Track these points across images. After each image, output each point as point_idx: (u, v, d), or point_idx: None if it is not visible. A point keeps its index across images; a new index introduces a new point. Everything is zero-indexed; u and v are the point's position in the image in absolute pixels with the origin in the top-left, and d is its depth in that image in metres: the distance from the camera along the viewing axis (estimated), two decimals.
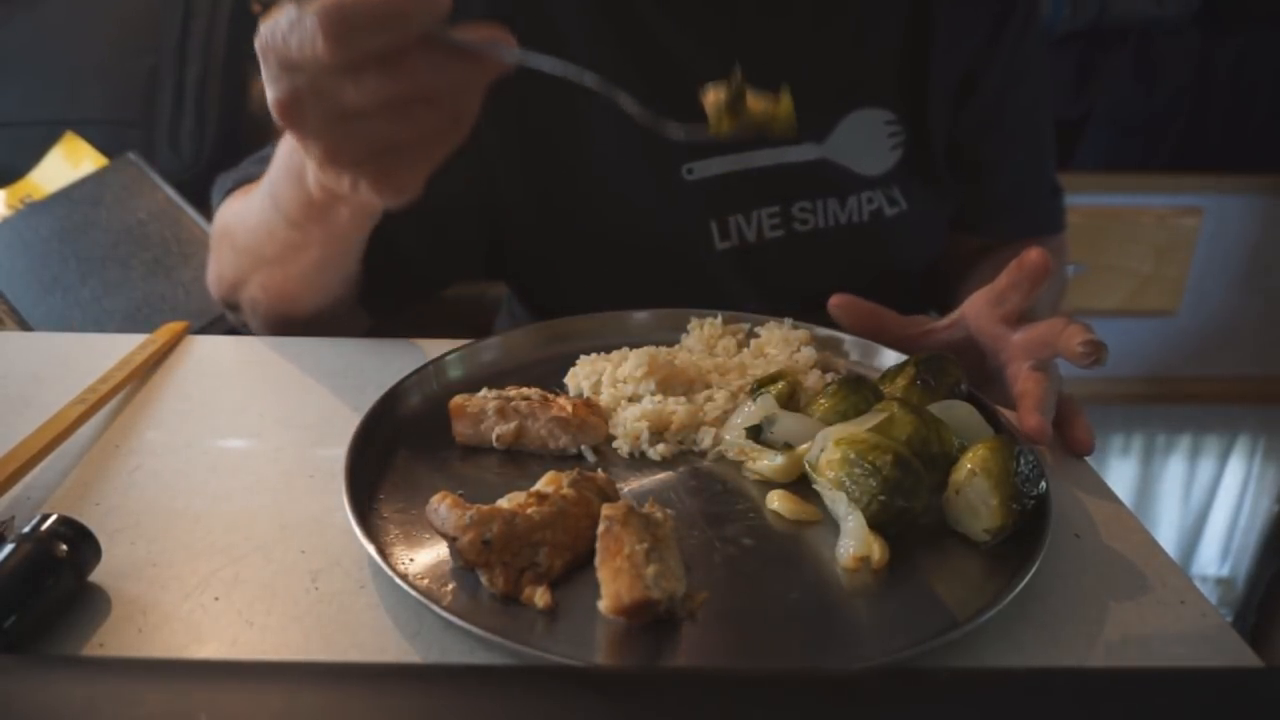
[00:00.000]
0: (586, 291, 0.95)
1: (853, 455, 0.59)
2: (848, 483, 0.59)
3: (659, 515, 0.55)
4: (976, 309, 0.79)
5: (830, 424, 0.66)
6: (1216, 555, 2.22)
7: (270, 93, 0.55)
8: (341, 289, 0.85)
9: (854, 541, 0.57)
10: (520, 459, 0.67)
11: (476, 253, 1.00)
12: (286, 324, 0.88)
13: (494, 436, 0.67)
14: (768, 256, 0.97)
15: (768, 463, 0.65)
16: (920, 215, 1.01)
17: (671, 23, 0.93)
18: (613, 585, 0.51)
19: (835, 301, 0.83)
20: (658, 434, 0.69)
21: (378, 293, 0.91)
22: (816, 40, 0.97)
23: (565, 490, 0.57)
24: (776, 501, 0.63)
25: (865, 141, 0.99)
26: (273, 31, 0.53)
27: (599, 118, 0.93)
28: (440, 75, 0.54)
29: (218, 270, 0.91)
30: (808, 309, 0.85)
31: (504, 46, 0.55)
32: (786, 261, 0.98)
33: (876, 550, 0.57)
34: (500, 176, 0.94)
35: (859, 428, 0.62)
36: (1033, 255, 0.73)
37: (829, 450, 0.61)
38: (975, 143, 1.05)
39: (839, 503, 0.60)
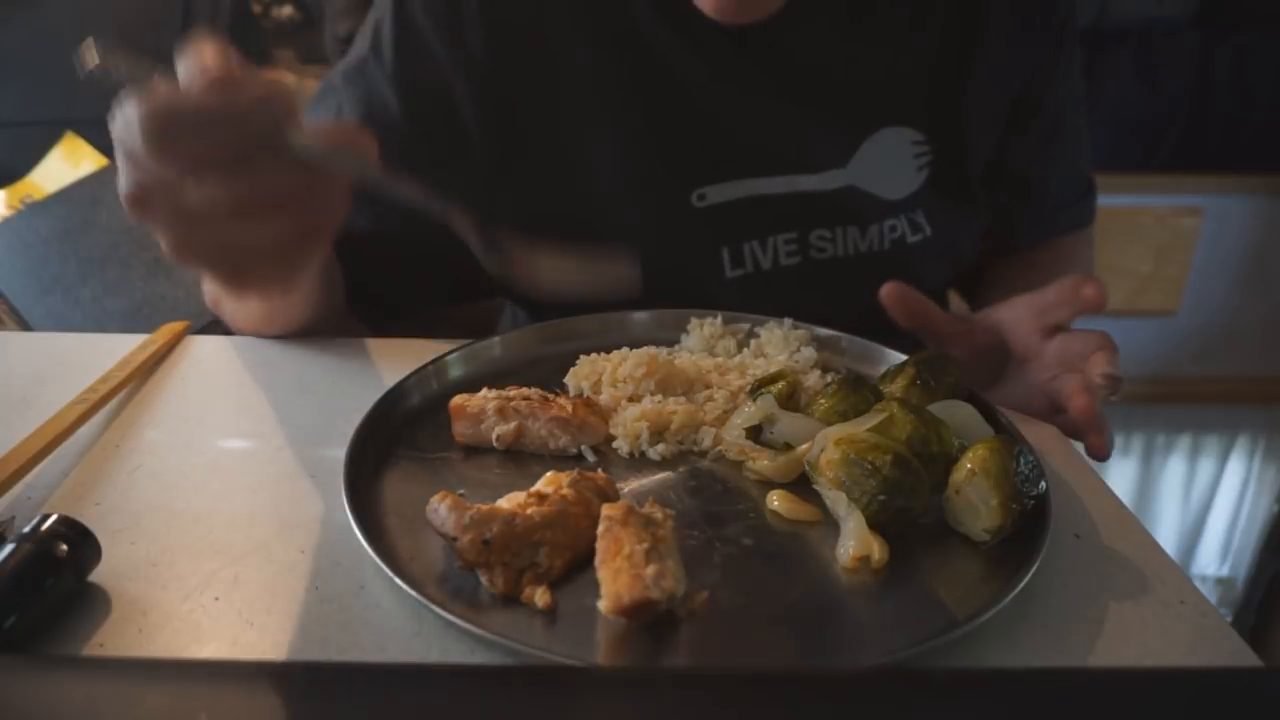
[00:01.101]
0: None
1: (853, 455, 0.59)
2: (847, 483, 0.59)
3: (659, 515, 0.55)
4: (1018, 315, 0.78)
5: (830, 424, 0.66)
6: (1216, 555, 2.22)
7: (119, 181, 0.52)
8: (313, 315, 0.84)
9: (854, 541, 0.57)
10: (520, 459, 0.67)
11: (476, 276, 0.98)
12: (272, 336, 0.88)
13: (494, 436, 0.67)
14: (782, 284, 0.94)
15: (768, 463, 0.65)
16: (944, 239, 0.98)
17: (681, 44, 0.89)
18: (613, 585, 0.51)
19: (888, 290, 0.80)
20: (658, 434, 0.69)
21: (370, 309, 0.92)
22: (837, 59, 0.93)
23: (565, 490, 0.57)
24: (776, 501, 0.63)
25: (890, 162, 0.95)
26: (116, 120, 0.50)
27: (604, 142, 0.90)
28: (289, 181, 0.51)
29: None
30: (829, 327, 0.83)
31: (358, 159, 0.52)
32: (802, 289, 0.95)
33: (876, 550, 0.57)
34: (499, 198, 0.91)
35: (859, 428, 0.62)
36: (1090, 291, 0.73)
37: (829, 450, 0.61)
38: (1027, 162, 1.03)
39: (839, 503, 0.60)
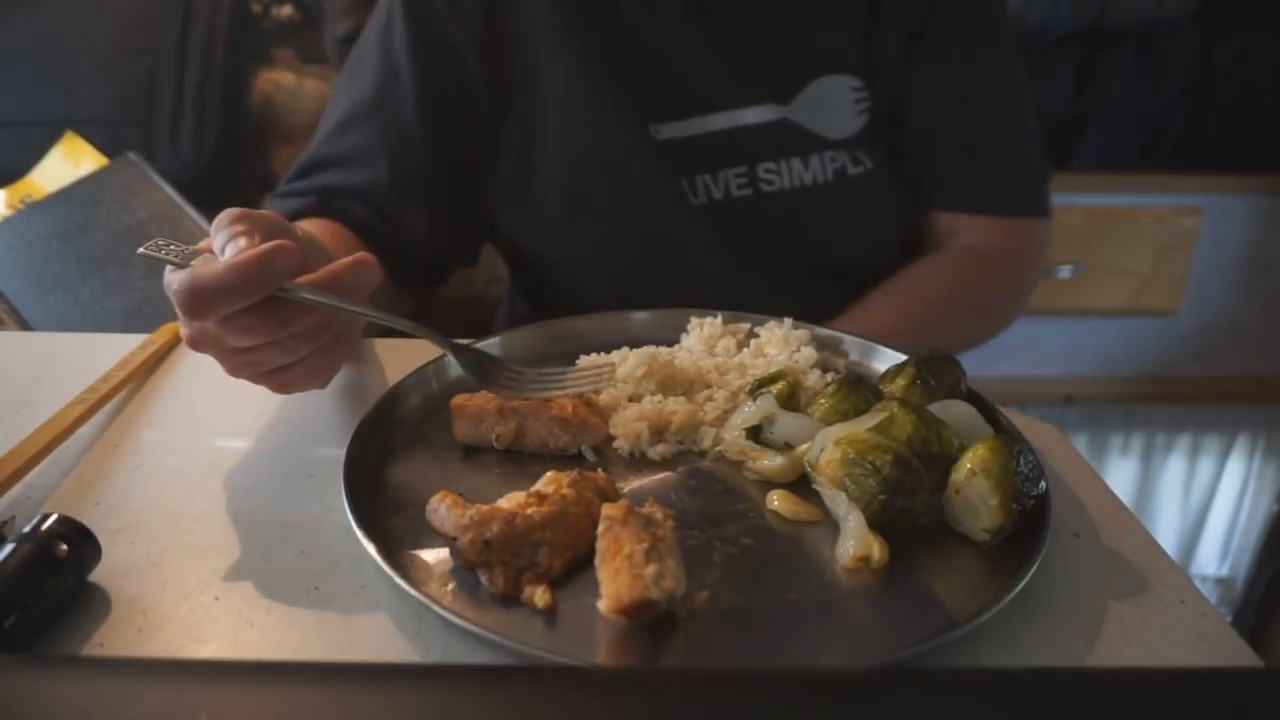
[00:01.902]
0: (569, 253, 1.04)
1: (853, 455, 0.59)
2: (848, 483, 0.59)
3: (659, 515, 0.55)
4: None
5: (830, 424, 0.66)
6: (1216, 555, 2.22)
7: (180, 328, 0.64)
8: None
9: (854, 541, 0.57)
10: (520, 459, 0.67)
11: (482, 222, 1.08)
12: None
13: (494, 436, 0.67)
14: (739, 216, 1.01)
15: (768, 463, 0.65)
16: (888, 176, 1.04)
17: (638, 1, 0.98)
18: (612, 585, 0.51)
19: None
20: (658, 434, 0.69)
21: (407, 278, 1.01)
22: (782, 6, 1.01)
23: (565, 490, 0.57)
24: (776, 501, 0.63)
25: (830, 106, 1.03)
26: (166, 284, 0.61)
27: (574, 86, 0.99)
28: (303, 318, 0.61)
29: None
30: (785, 268, 0.91)
31: (348, 301, 0.62)
32: (758, 221, 1.02)
33: (876, 550, 0.57)
34: (501, 140, 1.01)
35: (859, 428, 0.62)
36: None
37: (829, 450, 0.61)
38: (925, 109, 1.07)
39: (839, 503, 0.60)
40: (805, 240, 1.03)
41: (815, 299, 0.99)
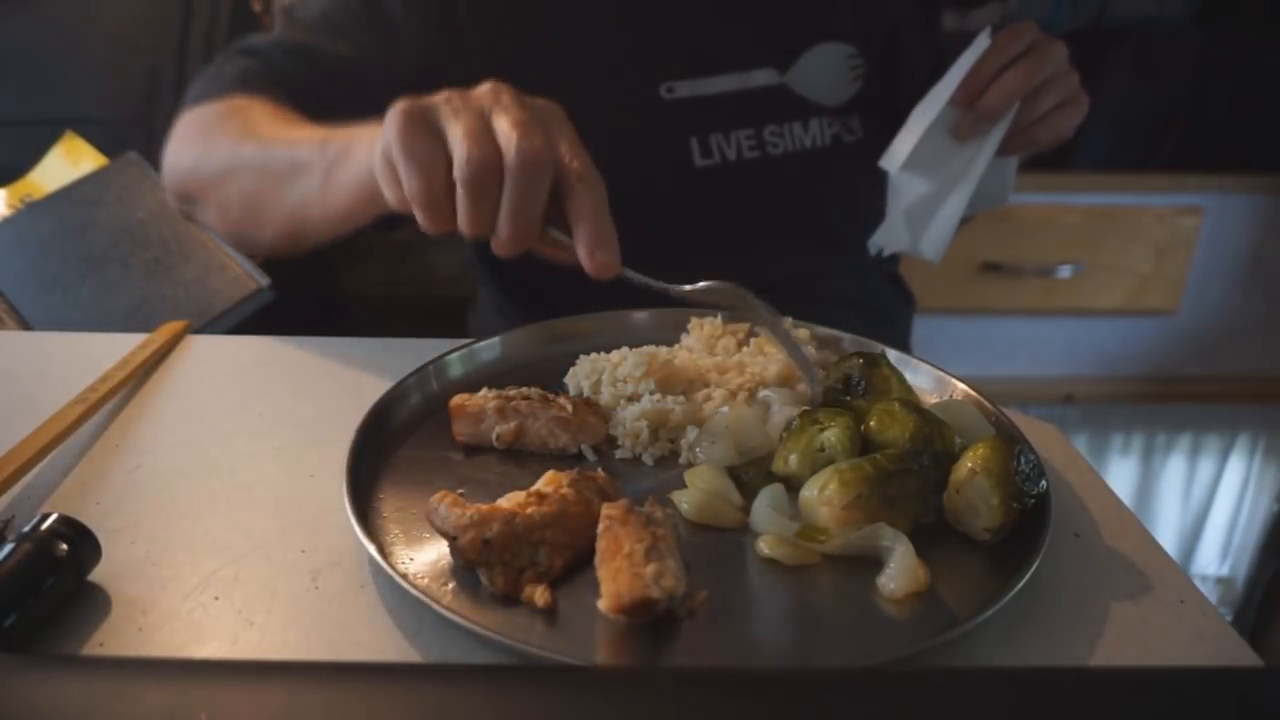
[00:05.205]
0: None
1: (873, 474, 0.58)
2: (882, 502, 0.58)
3: (659, 515, 0.55)
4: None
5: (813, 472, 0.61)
6: (1216, 555, 2.22)
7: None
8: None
9: (905, 577, 0.55)
10: (520, 459, 0.67)
11: None
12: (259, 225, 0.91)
13: (494, 436, 0.67)
14: (745, 176, 1.03)
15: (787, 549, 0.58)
16: (876, 146, 1.04)
17: None
18: (612, 585, 0.51)
19: None
20: (657, 434, 0.69)
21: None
22: None
23: (565, 490, 0.57)
24: (768, 548, 0.58)
25: (826, 73, 1.06)
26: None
27: (579, 35, 0.99)
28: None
29: (193, 163, 0.96)
30: (783, 229, 0.95)
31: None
32: (763, 182, 1.04)
33: (922, 576, 0.55)
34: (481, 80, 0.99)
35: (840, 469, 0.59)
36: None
37: (833, 492, 0.58)
38: (913, 82, 1.10)
39: (877, 536, 0.57)
40: (803, 205, 1.05)
41: (801, 267, 1.01)
